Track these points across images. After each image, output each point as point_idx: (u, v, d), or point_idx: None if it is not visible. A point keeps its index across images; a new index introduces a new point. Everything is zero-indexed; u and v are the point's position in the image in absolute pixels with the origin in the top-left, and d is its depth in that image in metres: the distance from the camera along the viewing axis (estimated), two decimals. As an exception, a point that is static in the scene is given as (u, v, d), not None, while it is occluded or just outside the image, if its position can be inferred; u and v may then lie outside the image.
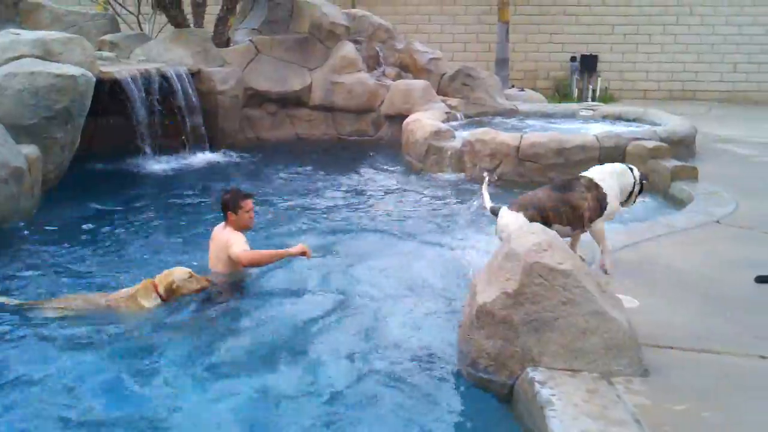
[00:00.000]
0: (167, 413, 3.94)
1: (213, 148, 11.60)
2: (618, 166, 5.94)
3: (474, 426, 3.90)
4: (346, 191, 9.28)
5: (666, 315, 4.78)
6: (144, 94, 10.38)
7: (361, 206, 8.51)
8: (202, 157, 11.25)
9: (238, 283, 5.77)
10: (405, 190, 9.24)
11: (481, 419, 3.91)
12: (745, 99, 19.32)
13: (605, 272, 5.63)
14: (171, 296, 5.33)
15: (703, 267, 5.77)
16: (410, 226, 7.64)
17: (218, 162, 11.15)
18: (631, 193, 5.90)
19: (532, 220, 5.56)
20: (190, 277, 5.38)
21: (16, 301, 5.30)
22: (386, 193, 9.18)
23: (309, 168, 10.69)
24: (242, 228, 5.80)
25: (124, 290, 5.41)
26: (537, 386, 3.67)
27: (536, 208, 5.65)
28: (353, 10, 15.36)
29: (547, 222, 5.59)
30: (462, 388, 4.15)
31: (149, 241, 7.06)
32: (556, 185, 5.89)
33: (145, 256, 6.57)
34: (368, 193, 9.16)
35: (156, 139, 10.76)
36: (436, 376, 4.34)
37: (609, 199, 5.72)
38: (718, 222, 6.98)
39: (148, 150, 10.63)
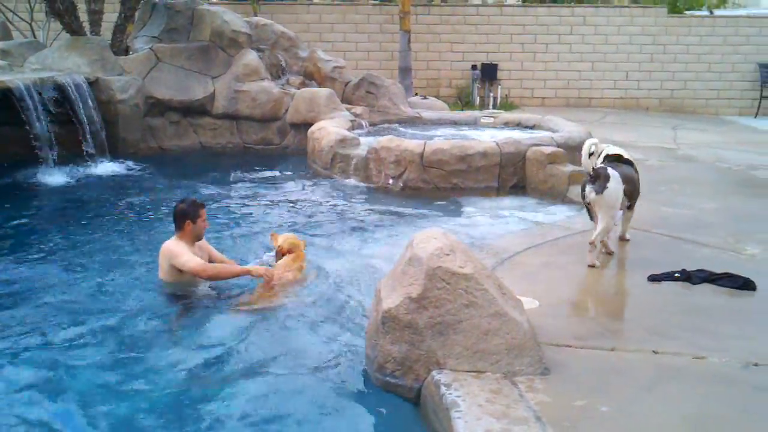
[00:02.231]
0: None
1: (114, 158, 11.27)
2: None
3: (383, 430, 3.94)
4: (253, 200, 9.19)
5: (565, 314, 4.95)
6: (39, 104, 10.02)
7: (267, 215, 8.45)
8: (103, 168, 10.89)
9: (183, 294, 5.75)
10: (311, 198, 9.22)
11: (389, 423, 3.96)
12: (637, 105, 20.12)
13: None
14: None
15: (599, 267, 6.00)
16: (317, 233, 7.63)
17: (119, 172, 10.83)
18: None
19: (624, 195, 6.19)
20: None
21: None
22: (293, 201, 9.13)
23: (213, 177, 10.53)
24: (197, 237, 5.87)
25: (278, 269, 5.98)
26: (442, 388, 3.74)
27: (628, 181, 6.26)
28: (255, 18, 15.25)
29: (625, 196, 6.25)
30: (370, 393, 4.20)
31: (49, 257, 6.81)
32: (621, 161, 6.49)
33: (44, 273, 6.33)
34: (275, 202, 9.09)
35: (54, 149, 10.40)
36: (343, 382, 4.36)
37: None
38: (615, 224, 7.25)
39: (45, 161, 10.25)
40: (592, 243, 5.97)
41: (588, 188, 6.02)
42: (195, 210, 5.80)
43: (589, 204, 6.12)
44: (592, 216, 6.19)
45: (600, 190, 5.93)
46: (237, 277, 5.81)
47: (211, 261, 5.94)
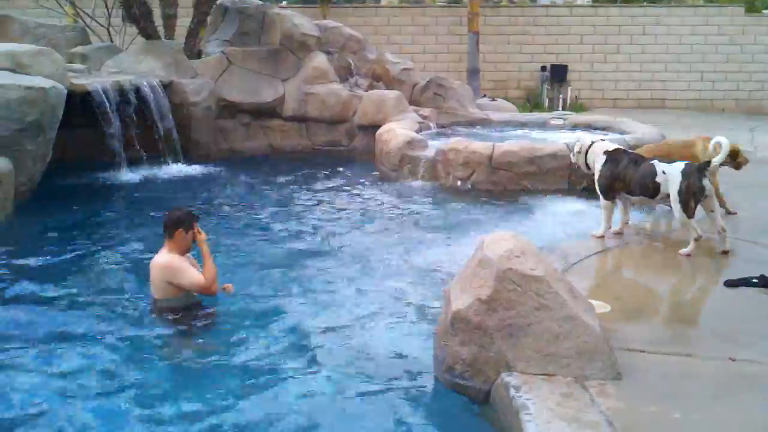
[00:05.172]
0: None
1: (187, 160, 11.54)
2: None
3: (451, 431, 3.94)
4: (321, 201, 9.28)
5: (637, 319, 4.86)
6: (116, 106, 10.31)
7: (335, 216, 8.53)
8: (176, 169, 11.19)
9: (194, 306, 5.43)
10: (379, 200, 9.27)
11: (457, 424, 3.96)
12: (712, 107, 19.64)
13: None
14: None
15: (671, 271, 5.88)
16: (385, 235, 7.68)
17: (192, 173, 11.10)
18: None
19: None
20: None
21: None
22: (361, 202, 9.20)
23: (283, 179, 10.69)
24: (185, 249, 5.40)
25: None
26: (512, 391, 3.72)
27: None
28: (324, 21, 15.40)
29: None
30: (439, 394, 4.20)
31: (124, 255, 6.99)
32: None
33: (121, 270, 6.50)
34: (343, 203, 9.18)
35: (129, 151, 10.70)
36: (413, 382, 4.38)
37: None
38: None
39: (121, 162, 10.54)
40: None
41: (706, 181, 6.15)
42: (190, 219, 5.36)
43: (706, 197, 6.19)
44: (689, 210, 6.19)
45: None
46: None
47: None
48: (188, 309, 5.36)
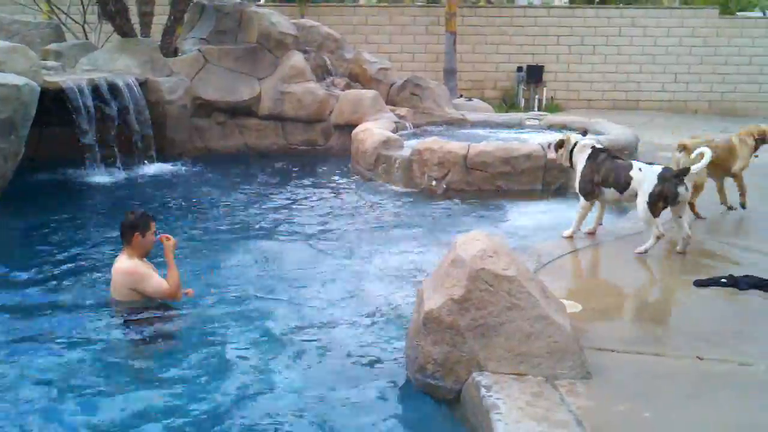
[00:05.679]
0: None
1: (162, 159, 11.47)
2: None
3: (422, 431, 3.95)
4: (295, 201, 9.27)
5: (608, 319, 4.90)
6: (90, 104, 10.21)
7: (308, 216, 8.51)
8: (151, 168, 11.12)
9: (155, 308, 5.35)
10: (354, 200, 9.28)
11: (428, 424, 3.96)
12: (685, 108, 19.83)
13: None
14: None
15: (643, 272, 5.93)
16: (359, 234, 7.68)
17: (167, 172, 11.03)
18: None
19: None
20: None
21: None
22: (336, 202, 9.20)
23: (258, 178, 10.67)
24: (144, 252, 5.42)
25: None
26: (483, 390, 3.73)
27: None
28: (302, 20, 15.38)
29: None
30: (410, 394, 4.20)
31: (96, 255, 6.93)
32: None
33: (92, 271, 6.44)
34: (317, 203, 9.17)
35: (103, 149, 10.59)
36: (384, 382, 4.38)
37: None
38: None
39: (94, 161, 10.45)
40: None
41: (682, 188, 6.12)
42: (145, 222, 5.35)
43: (679, 203, 6.18)
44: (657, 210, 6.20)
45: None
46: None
47: None
48: (149, 311, 5.30)
